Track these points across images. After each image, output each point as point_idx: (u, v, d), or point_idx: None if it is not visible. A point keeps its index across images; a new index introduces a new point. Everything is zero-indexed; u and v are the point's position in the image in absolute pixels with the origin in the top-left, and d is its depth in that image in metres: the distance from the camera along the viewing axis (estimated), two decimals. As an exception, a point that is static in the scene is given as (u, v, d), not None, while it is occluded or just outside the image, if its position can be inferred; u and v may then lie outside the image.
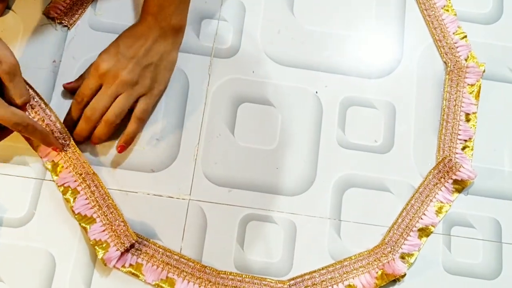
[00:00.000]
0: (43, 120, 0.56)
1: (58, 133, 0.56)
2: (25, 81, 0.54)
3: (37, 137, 0.52)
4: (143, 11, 0.56)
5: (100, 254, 0.52)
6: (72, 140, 0.56)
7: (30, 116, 0.55)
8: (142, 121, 0.56)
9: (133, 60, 0.54)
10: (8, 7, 0.61)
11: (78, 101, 0.55)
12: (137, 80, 0.54)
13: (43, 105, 0.57)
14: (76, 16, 0.61)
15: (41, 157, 0.56)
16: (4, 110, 0.47)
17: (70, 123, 0.56)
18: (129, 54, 0.54)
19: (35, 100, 0.57)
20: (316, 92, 0.61)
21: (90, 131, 0.55)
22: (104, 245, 0.53)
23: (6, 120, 0.48)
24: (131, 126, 0.55)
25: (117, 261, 0.53)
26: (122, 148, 0.56)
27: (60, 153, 0.56)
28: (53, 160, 0.56)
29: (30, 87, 0.57)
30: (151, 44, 0.55)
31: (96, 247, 0.53)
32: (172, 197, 0.56)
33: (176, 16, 0.55)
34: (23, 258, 0.53)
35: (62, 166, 0.55)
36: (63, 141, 0.56)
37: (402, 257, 0.56)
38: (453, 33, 0.64)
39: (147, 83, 0.55)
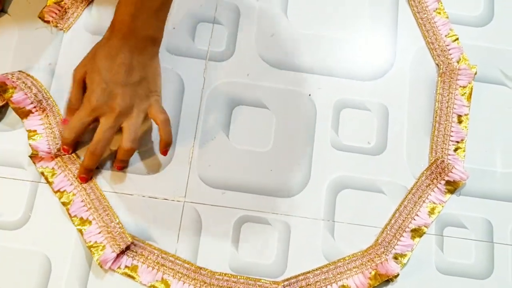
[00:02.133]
0: (49, 119, 0.57)
1: (59, 136, 0.57)
2: (37, 83, 0.57)
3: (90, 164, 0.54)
4: (114, 21, 0.53)
5: (96, 256, 0.53)
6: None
7: (40, 118, 0.57)
8: (167, 120, 0.55)
9: (120, 84, 0.52)
10: (4, 11, 0.61)
11: (65, 136, 0.54)
12: (133, 103, 0.53)
13: (52, 106, 0.58)
14: (72, 19, 0.61)
15: (34, 163, 0.56)
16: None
17: (68, 146, 0.56)
18: (114, 79, 0.52)
19: (48, 102, 0.58)
20: (310, 95, 0.61)
21: (97, 163, 0.55)
22: (100, 247, 0.53)
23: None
24: (162, 130, 0.54)
25: (112, 263, 0.53)
26: (166, 152, 0.55)
27: (56, 158, 0.56)
28: (47, 167, 0.56)
29: (39, 88, 0.58)
30: (130, 59, 0.53)
31: (91, 249, 0.53)
32: (167, 199, 0.57)
33: (151, 25, 0.53)
34: (18, 261, 0.53)
35: (55, 173, 0.55)
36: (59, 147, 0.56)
37: (395, 257, 0.56)
38: (445, 36, 0.64)
39: (144, 98, 0.54)
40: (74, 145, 0.56)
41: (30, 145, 0.56)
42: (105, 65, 0.52)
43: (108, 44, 0.53)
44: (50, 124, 0.57)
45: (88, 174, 0.55)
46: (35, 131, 0.57)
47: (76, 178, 0.55)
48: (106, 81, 0.52)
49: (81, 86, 0.55)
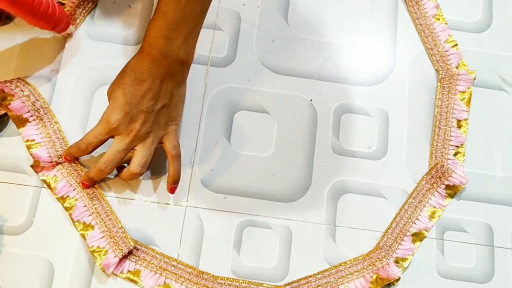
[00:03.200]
0: (47, 129, 0.57)
1: (58, 144, 0.57)
2: (35, 91, 0.57)
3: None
4: (145, 42, 0.51)
5: (99, 260, 0.53)
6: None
7: (37, 127, 0.57)
8: (179, 156, 0.55)
9: (144, 110, 0.52)
10: (10, 18, 0.61)
11: (82, 148, 0.54)
12: (151, 129, 0.53)
13: (50, 115, 0.58)
14: (75, 25, 0.62)
15: (36, 172, 0.56)
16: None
17: (71, 158, 0.56)
18: (139, 104, 0.51)
19: (43, 110, 0.58)
20: (311, 100, 0.62)
21: (103, 178, 0.55)
22: (102, 252, 0.53)
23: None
24: (172, 166, 0.54)
25: (115, 268, 0.53)
26: (173, 189, 0.55)
27: (57, 165, 0.56)
28: (49, 175, 0.56)
29: (37, 97, 0.58)
30: (159, 85, 0.51)
31: (94, 254, 0.53)
32: (169, 204, 0.57)
33: (183, 49, 0.51)
34: (21, 265, 0.54)
35: (58, 179, 0.56)
36: (61, 152, 0.57)
37: (396, 261, 0.56)
38: (444, 41, 0.65)
39: (162, 126, 0.54)
40: (77, 158, 0.57)
41: (31, 154, 0.56)
42: (132, 89, 0.51)
43: (137, 67, 0.51)
44: (48, 133, 0.57)
45: (91, 183, 0.56)
46: (33, 140, 0.57)
47: (79, 183, 0.56)
48: (131, 105, 0.51)
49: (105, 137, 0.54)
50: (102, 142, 0.53)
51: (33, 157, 0.56)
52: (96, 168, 0.54)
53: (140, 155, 0.53)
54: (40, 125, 0.57)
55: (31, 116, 0.57)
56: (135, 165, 0.53)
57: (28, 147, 0.56)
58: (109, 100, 0.53)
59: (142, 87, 0.51)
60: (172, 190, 0.55)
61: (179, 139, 0.58)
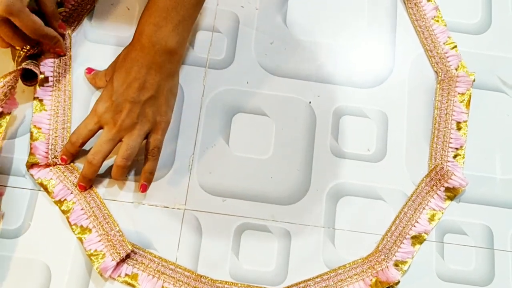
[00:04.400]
0: (58, 118, 0.58)
1: (60, 143, 0.57)
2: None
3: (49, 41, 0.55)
4: (136, 29, 0.52)
5: (96, 264, 0.52)
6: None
7: (51, 105, 0.57)
8: (157, 157, 0.55)
9: (129, 100, 0.52)
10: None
11: (73, 140, 0.54)
12: (137, 120, 0.52)
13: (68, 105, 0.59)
14: (72, 28, 0.62)
15: (32, 175, 0.56)
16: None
17: (67, 156, 0.56)
18: (124, 93, 0.52)
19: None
20: (310, 102, 0.61)
21: (95, 173, 0.55)
22: (100, 255, 0.53)
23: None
24: (148, 164, 0.54)
25: (113, 271, 0.53)
26: (145, 187, 0.55)
27: (53, 168, 0.56)
28: (45, 178, 0.55)
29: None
30: (145, 74, 0.51)
31: (91, 257, 0.53)
32: (167, 207, 0.57)
33: (172, 38, 0.51)
34: (18, 269, 0.53)
35: (55, 183, 0.55)
36: (57, 155, 0.56)
37: (396, 264, 0.56)
38: (444, 43, 0.65)
39: (150, 118, 0.53)
40: (73, 155, 0.56)
41: (31, 145, 0.56)
42: (120, 77, 0.52)
43: (127, 55, 0.52)
44: (57, 127, 0.57)
45: (87, 183, 0.55)
46: (40, 128, 0.57)
47: (76, 187, 0.55)
48: (117, 93, 0.52)
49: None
50: (92, 132, 0.53)
51: (31, 150, 0.55)
52: (86, 162, 0.54)
53: (125, 147, 0.53)
54: (53, 110, 0.57)
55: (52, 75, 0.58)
56: (119, 157, 0.53)
57: (32, 135, 0.56)
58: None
59: (129, 76, 0.51)
60: (143, 188, 0.55)
61: (177, 142, 0.58)
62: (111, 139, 0.53)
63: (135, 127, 0.53)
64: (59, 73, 0.59)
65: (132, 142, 0.53)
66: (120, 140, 0.53)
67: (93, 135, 0.54)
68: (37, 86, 0.58)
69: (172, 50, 0.52)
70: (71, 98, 0.59)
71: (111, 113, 0.52)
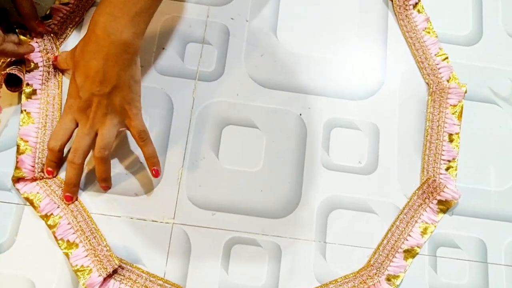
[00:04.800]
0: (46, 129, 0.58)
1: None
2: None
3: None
4: (91, 21, 0.51)
5: (82, 280, 0.51)
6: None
7: (39, 119, 0.58)
8: (148, 140, 0.55)
9: (95, 93, 0.51)
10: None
11: (51, 147, 0.54)
12: (107, 111, 0.52)
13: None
14: (60, 40, 0.61)
15: (18, 190, 0.55)
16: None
17: (52, 168, 0.56)
18: (89, 88, 0.51)
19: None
20: (300, 114, 0.61)
21: (79, 175, 0.54)
22: (86, 271, 0.52)
23: None
24: (145, 151, 0.54)
25: (99, 287, 0.52)
26: (157, 172, 0.55)
27: (39, 182, 0.55)
28: (31, 192, 0.55)
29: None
30: (103, 66, 0.50)
31: (78, 273, 0.52)
32: (155, 221, 0.56)
33: (128, 29, 0.50)
34: (2, 286, 0.52)
35: (41, 196, 0.54)
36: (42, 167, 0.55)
37: (388, 279, 0.55)
38: (435, 55, 0.64)
39: (118, 108, 0.53)
40: (57, 164, 0.56)
41: (16, 158, 0.55)
42: (80, 72, 0.51)
43: (84, 48, 0.51)
44: (44, 141, 0.56)
45: (73, 192, 0.55)
46: (27, 142, 0.56)
47: (62, 200, 0.54)
48: (82, 89, 0.52)
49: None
50: (69, 131, 0.54)
51: (17, 163, 0.55)
52: (67, 164, 0.54)
53: (100, 138, 0.53)
54: (41, 122, 0.57)
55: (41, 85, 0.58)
56: (96, 150, 0.53)
57: (18, 148, 0.56)
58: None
59: (89, 70, 0.51)
60: (155, 173, 0.55)
61: (166, 155, 0.58)
62: (86, 134, 0.53)
63: (107, 117, 0.53)
64: (47, 85, 0.59)
65: (106, 132, 0.53)
66: (96, 134, 0.53)
67: (70, 135, 0.54)
68: (25, 99, 0.57)
69: (128, 42, 0.50)
70: (60, 110, 0.58)
71: (82, 108, 0.52)
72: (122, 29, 0.49)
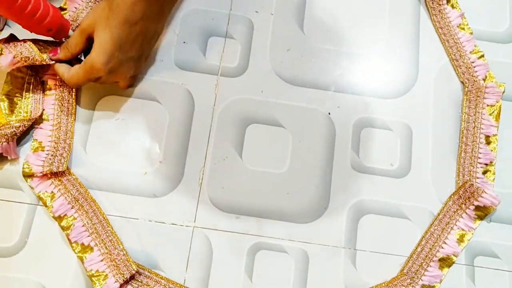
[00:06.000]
0: (60, 131, 0.55)
1: (60, 153, 0.53)
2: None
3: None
4: None
5: (97, 286, 0.49)
6: (67, 166, 0.52)
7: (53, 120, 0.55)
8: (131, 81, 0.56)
9: (133, 57, 0.51)
10: (8, 25, 0.58)
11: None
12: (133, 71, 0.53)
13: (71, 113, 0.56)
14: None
15: (32, 188, 0.52)
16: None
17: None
18: (129, 51, 0.50)
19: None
20: (329, 113, 0.58)
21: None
22: (102, 277, 0.49)
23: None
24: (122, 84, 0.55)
25: (115, 294, 0.49)
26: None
27: (54, 180, 0.52)
28: (46, 191, 0.52)
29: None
30: (150, 27, 0.50)
31: (93, 278, 0.49)
32: (175, 224, 0.53)
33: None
34: (13, 291, 0.49)
35: (54, 196, 0.52)
36: (59, 165, 0.52)
37: (423, 289, 0.52)
38: (470, 52, 0.61)
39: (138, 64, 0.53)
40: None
41: (27, 157, 0.52)
42: (122, 33, 0.48)
43: (128, 7, 0.47)
44: (58, 138, 0.54)
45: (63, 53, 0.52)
46: (41, 142, 0.54)
47: (76, 200, 0.52)
48: (120, 51, 0.49)
49: (86, 35, 0.50)
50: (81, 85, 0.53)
51: (27, 161, 0.52)
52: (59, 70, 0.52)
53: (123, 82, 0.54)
54: (55, 125, 0.54)
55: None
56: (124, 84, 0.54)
57: (32, 146, 0.53)
58: (84, 34, 0.50)
59: (133, 30, 0.48)
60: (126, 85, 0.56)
61: (187, 155, 0.55)
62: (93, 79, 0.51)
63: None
64: (62, 84, 0.55)
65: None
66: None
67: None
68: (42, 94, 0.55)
69: None
70: (75, 109, 0.56)
71: (112, 70, 0.50)
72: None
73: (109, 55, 0.49)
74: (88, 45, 0.51)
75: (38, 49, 0.51)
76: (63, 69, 0.52)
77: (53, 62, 0.52)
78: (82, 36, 0.50)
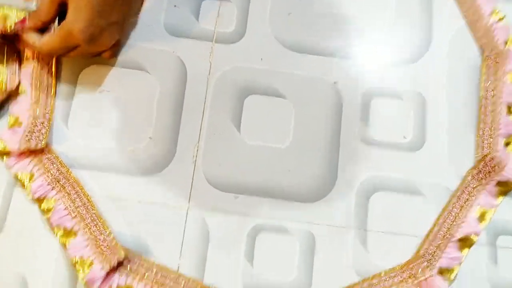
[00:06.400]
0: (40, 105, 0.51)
1: (38, 129, 0.50)
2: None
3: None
4: None
5: (82, 274, 0.46)
6: (46, 143, 0.49)
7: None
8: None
9: (114, 21, 0.48)
10: None
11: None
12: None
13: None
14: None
15: (9, 167, 0.49)
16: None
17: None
18: (109, 16, 0.47)
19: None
20: (335, 82, 0.55)
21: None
22: (86, 264, 0.47)
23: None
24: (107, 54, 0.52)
25: (102, 282, 0.47)
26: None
27: (33, 159, 0.49)
28: (24, 171, 0.49)
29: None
30: None
31: (77, 265, 0.47)
32: (168, 205, 0.50)
33: None
34: (-12, 281, 0.47)
35: (33, 176, 0.49)
36: (38, 142, 0.49)
37: (441, 272, 0.49)
38: (489, 14, 0.57)
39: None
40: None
41: (2, 134, 0.49)
42: None
43: None
44: (35, 115, 0.50)
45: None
46: (17, 118, 0.50)
47: (57, 181, 0.48)
48: (100, 18, 0.46)
49: (57, 2, 0.47)
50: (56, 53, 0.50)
51: (2, 135, 0.49)
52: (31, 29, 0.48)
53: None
54: (33, 98, 0.51)
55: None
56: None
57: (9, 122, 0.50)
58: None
59: None
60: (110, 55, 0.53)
61: (180, 129, 0.52)
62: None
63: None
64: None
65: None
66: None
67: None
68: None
69: None
70: (55, 80, 0.52)
71: (91, 37, 0.47)
72: None
73: (87, 21, 0.46)
74: (60, 12, 0.47)
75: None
76: (34, 37, 0.48)
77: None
78: (53, 2, 0.47)
